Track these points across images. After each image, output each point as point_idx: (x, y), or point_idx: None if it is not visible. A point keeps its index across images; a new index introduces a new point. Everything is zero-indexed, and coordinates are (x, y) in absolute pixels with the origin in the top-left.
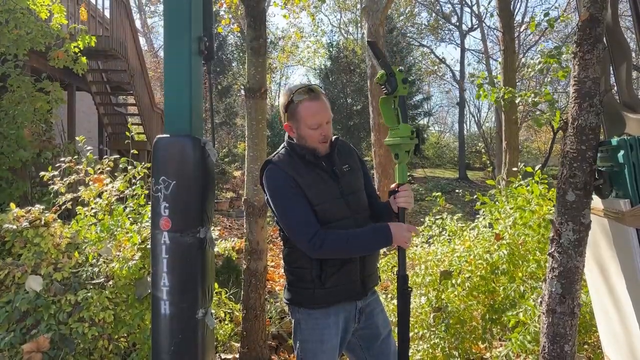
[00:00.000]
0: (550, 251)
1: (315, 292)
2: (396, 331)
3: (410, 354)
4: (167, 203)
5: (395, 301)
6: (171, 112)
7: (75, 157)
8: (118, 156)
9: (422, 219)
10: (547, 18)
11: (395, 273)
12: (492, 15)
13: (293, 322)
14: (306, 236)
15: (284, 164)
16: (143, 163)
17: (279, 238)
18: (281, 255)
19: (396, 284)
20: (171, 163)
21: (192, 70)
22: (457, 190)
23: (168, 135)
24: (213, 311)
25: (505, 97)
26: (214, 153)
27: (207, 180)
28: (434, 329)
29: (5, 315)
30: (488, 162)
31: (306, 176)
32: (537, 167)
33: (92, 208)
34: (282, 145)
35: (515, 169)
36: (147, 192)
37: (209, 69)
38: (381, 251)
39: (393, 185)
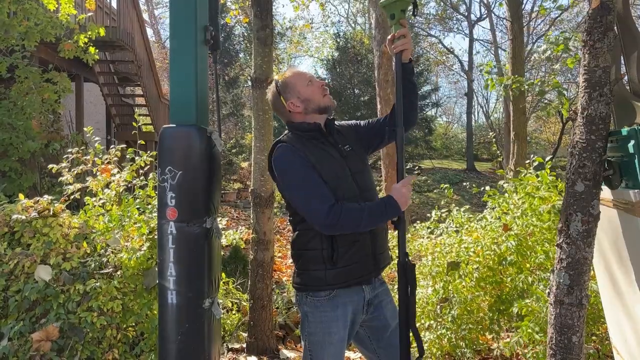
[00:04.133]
0: (558, 242)
1: (326, 273)
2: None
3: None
4: (173, 193)
5: None
6: (177, 102)
7: (83, 147)
8: (125, 146)
9: (428, 214)
10: (557, 5)
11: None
12: (500, 4)
13: (300, 314)
14: (323, 210)
15: (294, 141)
16: (149, 152)
17: (286, 229)
18: (288, 246)
19: (397, 260)
20: (177, 153)
21: (197, 60)
22: (464, 183)
23: (174, 125)
24: (220, 301)
25: (513, 86)
26: (220, 143)
27: (213, 170)
28: (440, 319)
29: (14, 304)
30: (498, 152)
31: (316, 154)
32: (547, 158)
33: (100, 198)
34: (285, 132)
35: (527, 161)
36: (156, 182)
37: (215, 59)
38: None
39: (390, 37)
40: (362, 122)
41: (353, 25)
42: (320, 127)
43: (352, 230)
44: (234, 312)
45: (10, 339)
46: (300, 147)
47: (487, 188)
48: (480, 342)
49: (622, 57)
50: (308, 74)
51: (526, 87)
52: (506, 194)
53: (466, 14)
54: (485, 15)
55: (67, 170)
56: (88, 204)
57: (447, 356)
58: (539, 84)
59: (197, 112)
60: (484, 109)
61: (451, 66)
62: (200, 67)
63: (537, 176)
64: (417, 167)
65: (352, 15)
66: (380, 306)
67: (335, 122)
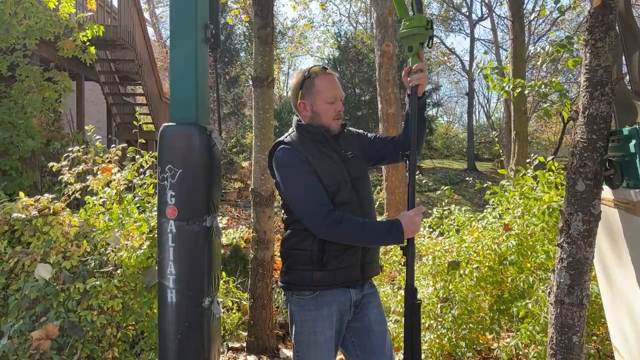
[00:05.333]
0: (559, 242)
1: (314, 274)
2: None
3: None
4: (173, 191)
5: (402, 292)
6: (177, 101)
7: (84, 146)
8: (125, 145)
9: (429, 211)
10: (558, 5)
11: (403, 264)
12: (501, 4)
13: (288, 314)
14: (320, 214)
15: (296, 144)
16: (150, 152)
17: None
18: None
19: (404, 295)
20: (177, 151)
21: (197, 58)
22: (467, 178)
23: (174, 124)
24: (220, 300)
25: (515, 93)
26: (220, 142)
27: (213, 169)
28: (441, 319)
29: (14, 302)
30: (500, 151)
31: (318, 157)
32: (548, 158)
33: (100, 197)
34: (290, 130)
35: (527, 160)
36: (156, 181)
37: (215, 58)
38: None
39: (406, 69)
40: (371, 135)
41: (354, 24)
42: (328, 129)
43: (347, 242)
44: (234, 311)
45: (10, 338)
46: (302, 150)
47: (489, 183)
48: (481, 342)
49: (623, 57)
50: (337, 93)
51: (528, 89)
52: (507, 193)
53: (467, 13)
54: (486, 15)
55: (67, 169)
56: (88, 203)
57: (447, 356)
58: (542, 85)
59: (198, 110)
60: (485, 109)
61: (452, 66)
62: (200, 66)
63: (535, 177)
64: (417, 167)
65: (353, 14)
66: (366, 307)
67: (347, 128)
